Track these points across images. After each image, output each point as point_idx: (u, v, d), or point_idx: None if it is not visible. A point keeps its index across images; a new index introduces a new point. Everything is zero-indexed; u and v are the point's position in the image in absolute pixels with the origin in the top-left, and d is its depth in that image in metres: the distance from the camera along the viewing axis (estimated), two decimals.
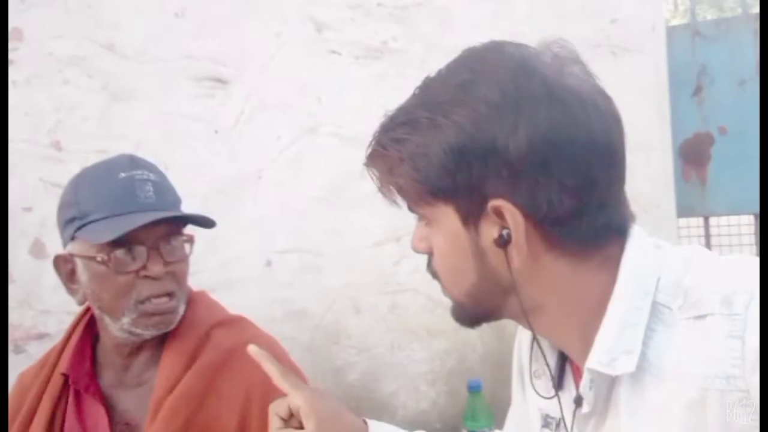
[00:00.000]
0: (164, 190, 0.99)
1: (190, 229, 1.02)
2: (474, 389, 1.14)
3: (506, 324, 0.73)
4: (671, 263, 0.65)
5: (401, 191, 0.67)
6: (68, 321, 1.08)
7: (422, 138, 0.63)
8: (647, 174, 2.46)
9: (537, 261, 0.64)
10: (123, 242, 0.92)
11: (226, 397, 0.98)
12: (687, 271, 0.64)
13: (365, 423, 0.80)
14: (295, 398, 0.73)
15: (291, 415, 0.75)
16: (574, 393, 0.69)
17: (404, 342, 2.42)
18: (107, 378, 1.02)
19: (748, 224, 3.25)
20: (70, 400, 1.00)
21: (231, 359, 1.00)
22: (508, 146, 0.60)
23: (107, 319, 0.97)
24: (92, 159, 2.28)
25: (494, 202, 0.62)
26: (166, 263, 0.95)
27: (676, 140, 2.84)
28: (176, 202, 1.01)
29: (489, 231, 0.63)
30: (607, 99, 0.65)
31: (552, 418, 0.74)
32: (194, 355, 0.99)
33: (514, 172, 0.61)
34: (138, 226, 0.91)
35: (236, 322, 1.07)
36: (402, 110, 0.66)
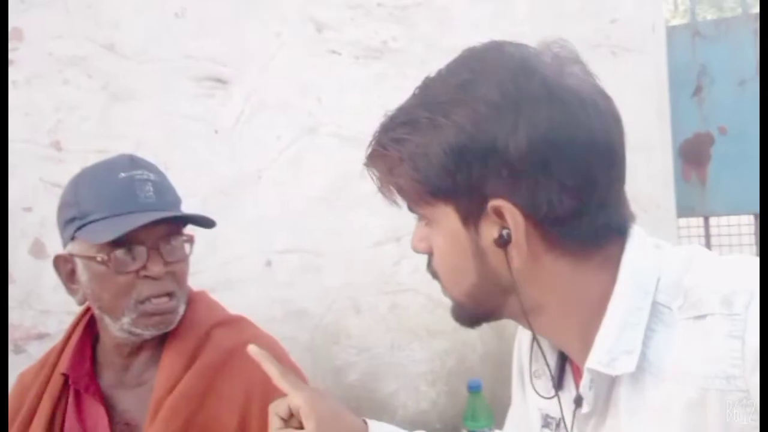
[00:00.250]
0: (164, 190, 0.99)
1: (190, 229, 1.01)
2: (474, 389, 1.14)
3: (506, 324, 0.73)
4: (671, 263, 0.65)
5: (401, 191, 0.67)
6: (68, 321, 1.08)
7: (422, 138, 0.63)
8: (647, 174, 2.46)
9: (537, 261, 0.64)
10: (123, 242, 0.92)
11: (226, 397, 0.98)
12: (687, 271, 0.63)
13: (365, 423, 0.80)
14: (295, 398, 0.73)
15: (291, 415, 0.75)
16: (574, 393, 0.69)
17: (404, 342, 2.42)
18: (107, 378, 1.02)
19: (748, 224, 3.25)
20: (70, 400, 0.99)
21: (231, 359, 1.00)
22: (508, 146, 0.60)
23: (107, 319, 0.97)
24: (92, 159, 2.28)
25: (494, 202, 0.62)
26: (166, 263, 0.95)
27: (676, 140, 2.84)
28: (176, 202, 1.01)
29: (489, 231, 0.63)
30: (607, 99, 0.65)
31: (552, 418, 0.74)
32: (194, 355, 0.99)
33: (514, 172, 0.61)
34: (138, 226, 0.91)
35: (236, 322, 1.07)
36: (402, 110, 0.66)
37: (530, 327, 0.68)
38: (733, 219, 3.30)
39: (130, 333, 0.96)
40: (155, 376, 0.98)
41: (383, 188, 0.68)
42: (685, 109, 2.95)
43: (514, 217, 0.62)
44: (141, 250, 0.94)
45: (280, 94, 2.36)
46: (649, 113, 2.61)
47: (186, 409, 0.95)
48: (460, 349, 2.42)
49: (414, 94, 0.66)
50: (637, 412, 0.63)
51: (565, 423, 0.70)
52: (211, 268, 2.10)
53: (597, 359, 0.63)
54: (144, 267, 0.94)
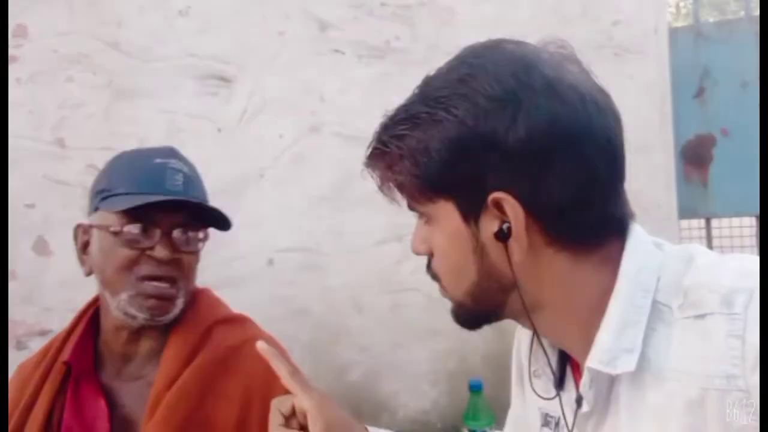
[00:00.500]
0: (193, 184, 1.00)
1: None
2: (475, 389, 1.14)
3: (507, 324, 0.73)
4: (672, 262, 0.65)
5: (401, 188, 0.67)
6: (71, 318, 1.08)
7: (422, 133, 0.63)
8: (649, 175, 2.46)
9: (537, 256, 0.64)
10: (139, 219, 0.94)
11: (226, 395, 0.98)
12: (687, 270, 0.64)
13: (366, 431, 0.80)
14: (303, 401, 0.73)
15: (293, 414, 0.75)
16: (574, 392, 0.69)
17: (405, 341, 2.42)
18: (108, 370, 1.02)
19: (749, 226, 3.25)
20: (70, 392, 1.00)
21: (232, 356, 1.00)
22: (507, 139, 0.61)
23: (107, 295, 0.98)
24: (96, 156, 2.29)
25: (494, 195, 0.62)
26: (176, 250, 0.96)
27: (678, 141, 2.84)
28: (203, 198, 1.02)
29: (489, 225, 0.64)
30: (606, 96, 0.66)
31: (551, 417, 0.74)
32: (195, 351, 0.99)
33: (514, 165, 0.61)
34: (152, 201, 0.92)
35: (238, 321, 1.07)
36: (402, 108, 0.66)
37: (531, 325, 0.68)
38: (735, 220, 3.30)
39: (126, 313, 0.96)
40: (156, 370, 0.98)
41: (383, 186, 0.68)
42: (687, 110, 2.95)
43: (514, 209, 0.62)
44: (154, 231, 0.95)
45: (283, 92, 2.36)
46: (652, 114, 2.61)
47: (185, 405, 0.95)
48: (461, 348, 2.42)
49: (414, 92, 0.67)
50: (637, 411, 0.63)
51: (566, 422, 0.70)
52: (213, 266, 2.09)
53: (597, 358, 0.63)
54: (152, 248, 0.95)
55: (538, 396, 0.74)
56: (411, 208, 0.69)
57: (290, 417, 0.75)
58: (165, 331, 1.00)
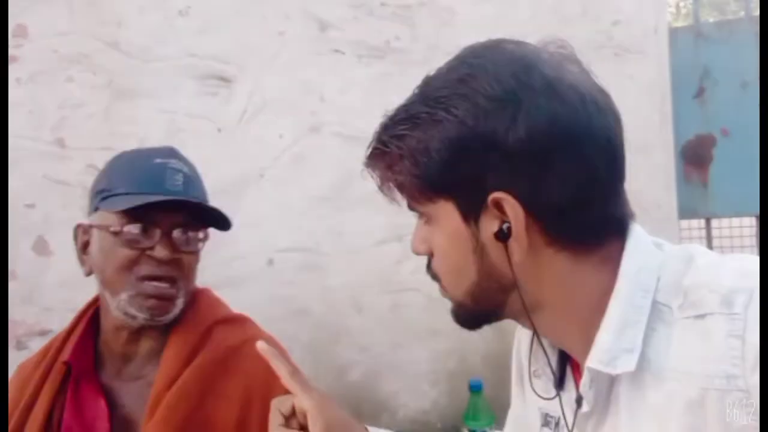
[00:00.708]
0: (193, 184, 1.00)
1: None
2: (475, 389, 1.14)
3: (507, 324, 0.73)
4: (672, 262, 0.65)
5: (401, 188, 0.67)
6: (71, 318, 1.08)
7: (422, 133, 0.63)
8: (649, 175, 2.46)
9: (537, 256, 0.64)
10: (139, 219, 0.94)
11: (226, 395, 0.98)
12: (687, 270, 0.64)
13: (366, 431, 0.80)
14: (303, 401, 0.73)
15: (293, 414, 0.75)
16: (574, 392, 0.69)
17: (405, 341, 2.42)
18: (107, 370, 1.02)
19: (749, 226, 3.25)
20: (69, 392, 1.00)
21: (232, 356, 1.00)
22: (507, 139, 0.61)
23: (107, 295, 0.98)
24: (96, 156, 2.29)
25: (494, 195, 0.62)
26: (175, 250, 0.96)
27: (678, 142, 2.84)
28: (203, 198, 1.02)
29: (489, 225, 0.64)
30: (606, 96, 0.66)
31: (551, 416, 0.74)
32: (195, 351, 0.99)
33: (513, 165, 0.61)
34: (153, 201, 0.92)
35: (238, 321, 1.07)
36: (402, 108, 0.66)
37: (531, 325, 0.68)
38: (735, 221, 3.30)
39: (126, 313, 0.96)
40: (156, 370, 0.98)
41: (383, 186, 0.68)
42: (687, 110, 2.95)
43: (514, 209, 0.62)
44: (154, 232, 0.95)
45: (283, 92, 2.36)
46: (652, 115, 2.61)
47: (185, 405, 0.95)
48: (461, 348, 2.42)
49: (414, 92, 0.67)
50: (637, 411, 0.63)
51: (566, 422, 0.70)
52: (213, 266, 2.09)
53: (597, 358, 0.63)
54: (152, 248, 0.95)
55: (538, 396, 0.74)
56: (411, 208, 0.69)
57: (290, 417, 0.75)
58: (165, 331, 1.00)
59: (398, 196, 0.68)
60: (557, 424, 0.73)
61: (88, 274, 1.01)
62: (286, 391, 0.75)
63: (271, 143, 2.35)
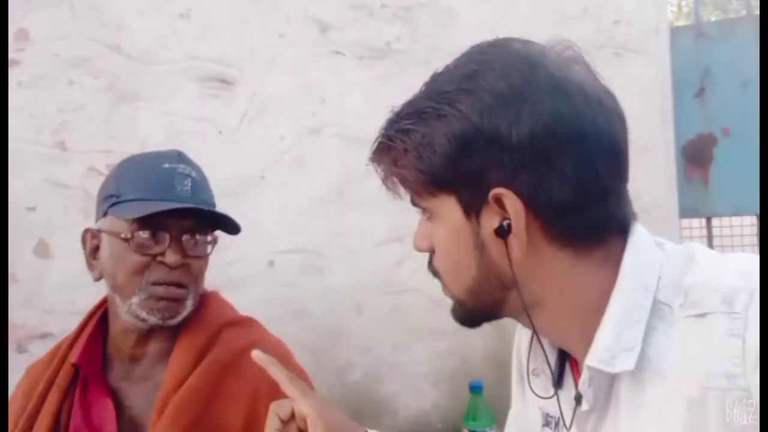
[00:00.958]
0: (202, 189, 1.01)
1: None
2: (475, 389, 1.14)
3: (507, 325, 0.73)
4: (673, 261, 0.65)
5: (405, 182, 0.67)
6: (72, 321, 1.08)
7: (427, 128, 0.63)
8: (650, 174, 2.46)
9: (537, 254, 0.64)
10: (149, 225, 0.95)
11: (234, 396, 0.98)
12: (688, 270, 0.64)
13: None
14: (303, 406, 0.73)
15: (291, 418, 0.75)
16: (573, 391, 0.69)
17: (406, 342, 2.42)
18: (116, 372, 1.02)
19: (750, 225, 3.25)
20: (78, 393, 1.00)
21: (240, 359, 1.00)
22: (511, 135, 0.61)
23: (117, 300, 0.99)
24: (97, 160, 2.30)
25: (495, 191, 0.62)
26: (185, 255, 0.97)
27: (679, 141, 2.84)
28: (210, 202, 1.03)
29: (490, 221, 0.64)
30: (612, 97, 0.66)
31: (552, 416, 0.74)
32: (203, 353, 0.99)
33: (515, 162, 0.61)
34: (164, 209, 0.93)
35: (246, 323, 1.08)
36: (408, 103, 0.67)
37: (530, 323, 0.68)
38: (736, 220, 3.29)
39: (136, 316, 0.97)
40: (163, 372, 0.98)
41: (387, 181, 0.68)
42: (688, 109, 2.95)
43: (514, 206, 0.62)
44: (164, 237, 0.96)
45: (284, 94, 2.36)
46: (653, 114, 2.61)
47: (193, 407, 0.95)
48: (461, 349, 2.42)
49: (421, 89, 0.67)
50: (638, 410, 0.63)
51: (564, 420, 0.70)
52: (214, 267, 2.09)
53: (597, 356, 0.63)
54: (163, 253, 0.96)
55: (537, 395, 0.74)
56: (414, 203, 0.69)
57: (289, 422, 0.75)
58: (173, 333, 1.01)
59: (402, 190, 0.68)
60: (558, 423, 0.72)
61: (98, 278, 1.02)
62: None
63: (272, 145, 2.36)
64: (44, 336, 2.10)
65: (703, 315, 0.60)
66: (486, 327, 0.72)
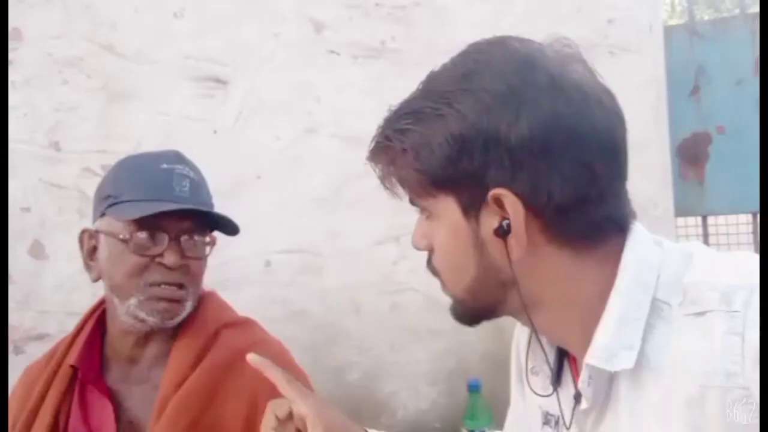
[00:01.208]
0: (200, 189, 1.01)
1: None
2: (474, 389, 1.14)
3: (506, 324, 0.73)
4: (671, 260, 0.65)
5: (403, 182, 0.67)
6: (68, 321, 1.08)
7: (426, 128, 0.63)
8: (645, 173, 2.46)
9: (537, 253, 0.64)
10: (147, 226, 0.94)
11: (233, 397, 0.98)
12: (687, 268, 0.64)
13: None
14: (302, 407, 0.73)
15: (288, 418, 0.74)
16: (572, 389, 0.69)
17: (404, 342, 2.42)
18: (114, 373, 1.02)
19: (746, 223, 3.26)
20: (76, 395, 1.00)
21: (238, 359, 0.99)
22: (509, 135, 0.61)
23: (116, 301, 0.98)
24: (92, 159, 2.29)
25: (495, 191, 0.62)
26: (184, 256, 0.97)
27: (674, 139, 2.84)
28: (209, 203, 1.03)
29: (489, 221, 0.64)
30: (611, 96, 0.66)
31: (552, 415, 0.74)
32: (202, 354, 0.99)
33: (515, 161, 0.61)
34: (163, 210, 0.93)
35: (245, 324, 1.07)
36: (406, 103, 0.67)
37: (529, 322, 0.68)
38: (731, 218, 3.30)
39: (135, 318, 0.96)
40: (162, 374, 0.98)
41: (385, 181, 0.68)
42: (682, 108, 2.96)
43: (513, 206, 0.62)
44: (162, 238, 0.95)
45: (279, 94, 2.36)
46: (647, 113, 2.62)
47: (192, 408, 0.95)
48: (459, 348, 2.42)
49: (418, 88, 0.67)
50: (637, 408, 0.63)
51: (563, 418, 0.70)
52: (211, 268, 2.09)
53: (596, 355, 0.63)
54: (161, 254, 0.95)
55: (536, 393, 0.74)
56: (412, 202, 0.69)
57: (287, 422, 0.74)
58: (172, 334, 1.00)
59: (400, 190, 0.68)
60: (558, 422, 0.72)
61: (96, 279, 1.01)
62: None
63: (268, 145, 2.35)
64: (40, 337, 2.09)
65: (702, 313, 0.60)
66: (484, 326, 0.72)
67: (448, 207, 0.65)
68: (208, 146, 2.25)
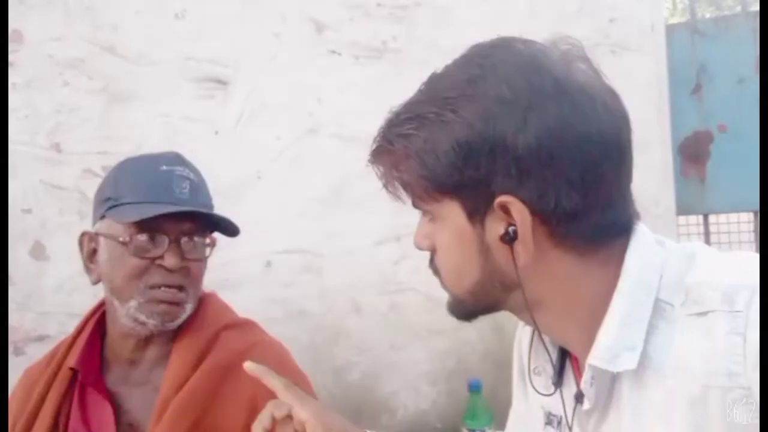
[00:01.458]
0: (200, 191, 1.01)
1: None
2: (474, 389, 1.14)
3: (506, 324, 0.73)
4: (674, 260, 0.65)
5: (406, 187, 0.66)
6: (68, 323, 1.08)
7: (430, 133, 0.63)
8: (647, 172, 2.46)
9: (542, 258, 0.64)
10: (147, 228, 0.94)
11: (234, 399, 0.98)
12: (689, 268, 0.64)
13: None
14: (302, 411, 0.73)
15: (288, 418, 0.74)
16: (574, 389, 0.69)
17: (404, 342, 2.42)
18: (114, 375, 1.02)
19: (747, 222, 3.26)
20: (76, 397, 1.00)
21: (239, 361, 0.99)
22: (516, 142, 0.60)
23: (116, 303, 0.98)
24: (93, 161, 2.29)
25: (501, 198, 0.62)
26: (184, 258, 0.97)
27: (675, 138, 2.84)
28: (209, 204, 1.03)
29: (495, 227, 0.63)
30: (616, 97, 0.65)
31: (554, 415, 0.74)
32: (202, 356, 0.99)
33: (521, 168, 0.61)
34: (163, 212, 0.92)
35: (245, 326, 1.07)
36: (408, 105, 0.66)
37: (533, 322, 0.68)
38: (733, 216, 3.30)
39: (135, 320, 0.96)
40: (162, 376, 0.98)
41: (388, 184, 0.67)
42: (684, 107, 2.95)
43: (521, 213, 0.61)
44: (162, 240, 0.95)
45: (280, 94, 2.36)
46: (649, 111, 2.61)
47: (193, 410, 0.95)
48: (460, 348, 2.42)
49: (420, 90, 0.66)
50: (639, 408, 0.63)
51: (567, 419, 0.70)
52: (211, 268, 2.09)
53: (599, 355, 0.63)
54: (161, 257, 0.95)
55: (538, 393, 0.74)
56: (415, 205, 0.69)
57: (285, 424, 0.74)
58: (172, 336, 1.00)
59: (402, 193, 0.68)
60: (560, 422, 0.72)
61: (96, 282, 1.01)
62: None
63: (269, 145, 2.35)
64: (41, 338, 2.09)
65: (704, 313, 0.60)
66: (485, 326, 0.72)
67: (453, 211, 0.65)
68: (209, 147, 2.25)
